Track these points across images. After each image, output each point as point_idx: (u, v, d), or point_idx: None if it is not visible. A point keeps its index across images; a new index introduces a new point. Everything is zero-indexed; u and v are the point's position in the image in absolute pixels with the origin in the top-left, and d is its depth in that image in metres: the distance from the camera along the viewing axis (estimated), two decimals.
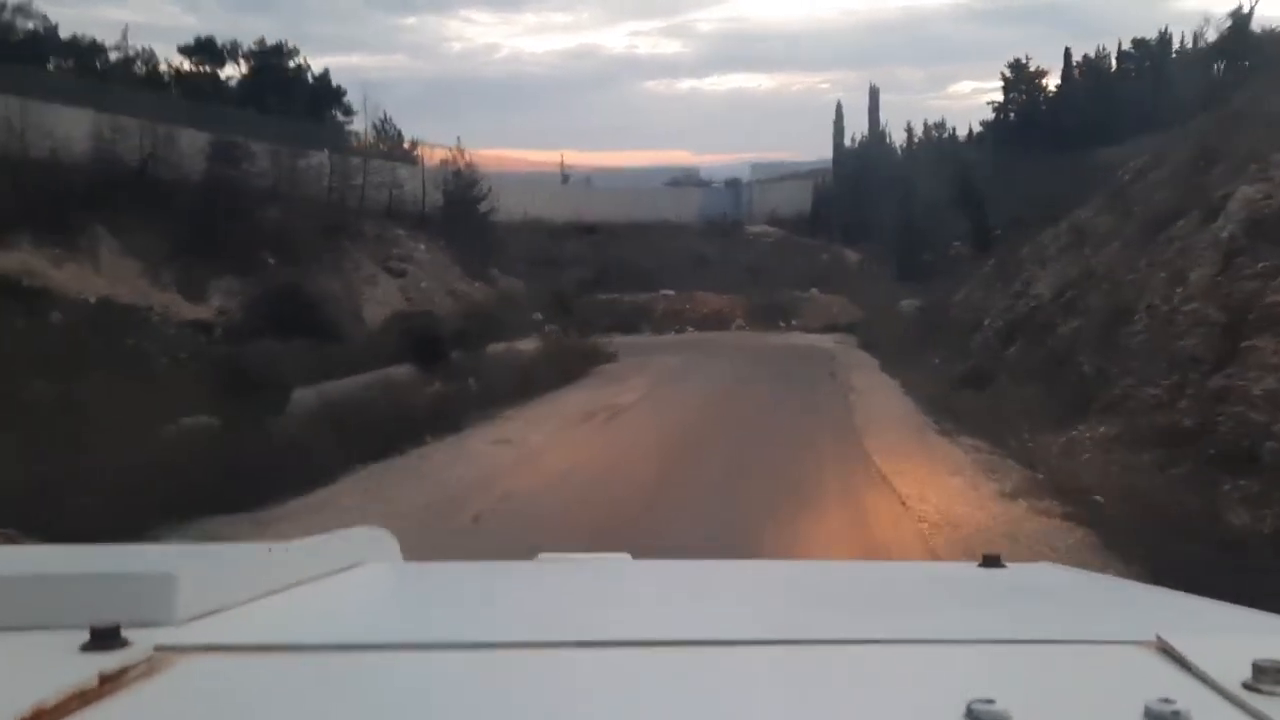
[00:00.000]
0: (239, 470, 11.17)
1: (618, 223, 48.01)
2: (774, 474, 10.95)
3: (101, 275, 30.75)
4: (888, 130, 53.29)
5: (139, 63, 46.76)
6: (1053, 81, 50.12)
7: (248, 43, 49.93)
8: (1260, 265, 12.80)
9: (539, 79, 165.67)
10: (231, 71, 49.74)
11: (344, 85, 50.44)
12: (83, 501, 8.72)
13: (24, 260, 26.51)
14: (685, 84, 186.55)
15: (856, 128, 53.86)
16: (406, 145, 48.91)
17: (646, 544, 6.23)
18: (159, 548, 2.15)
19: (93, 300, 28.48)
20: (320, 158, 41.25)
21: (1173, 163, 20.52)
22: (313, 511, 9.97)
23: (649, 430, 14.10)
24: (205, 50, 48.21)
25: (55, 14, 43.94)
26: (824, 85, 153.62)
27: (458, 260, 41.85)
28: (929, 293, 32.23)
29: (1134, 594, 1.98)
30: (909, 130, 51.90)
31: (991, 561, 1.81)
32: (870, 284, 37.17)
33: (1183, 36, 49.29)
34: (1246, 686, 0.92)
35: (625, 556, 2.03)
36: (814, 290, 34.83)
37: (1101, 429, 13.34)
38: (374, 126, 48.78)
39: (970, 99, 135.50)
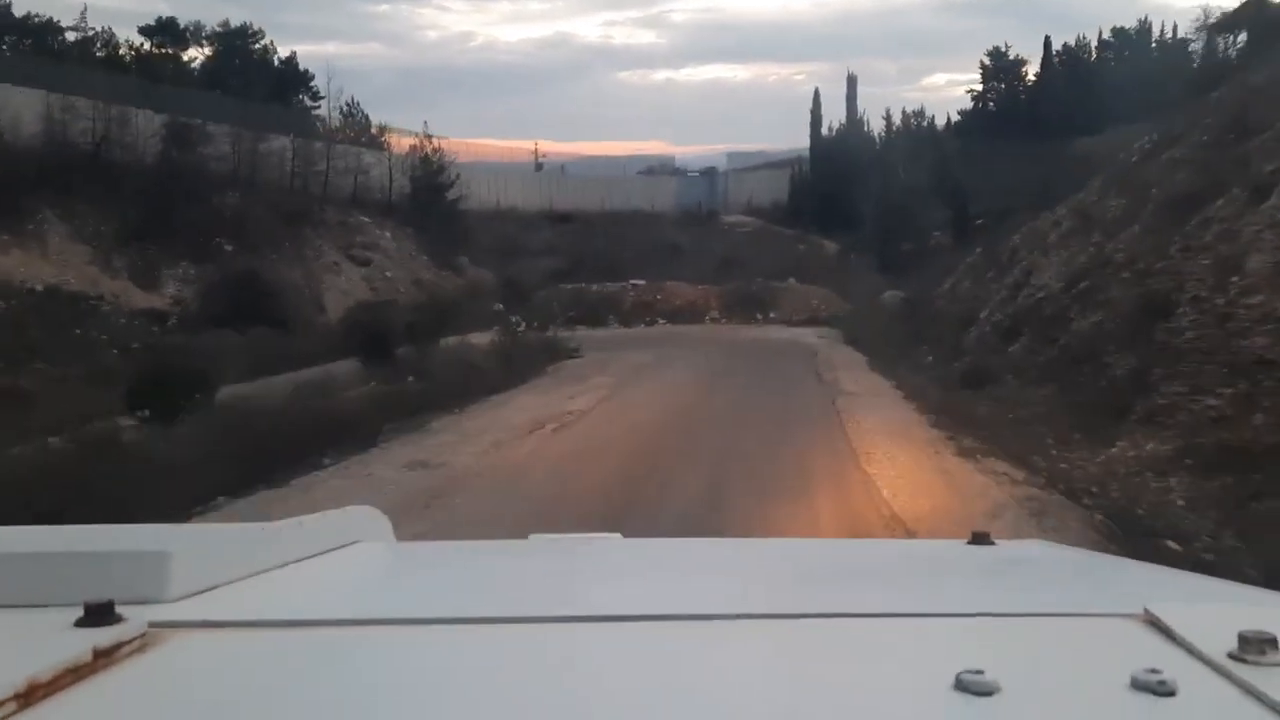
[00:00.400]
0: (76, 500, 8.39)
1: (591, 212, 45.49)
2: (758, 519, 8.07)
3: (49, 262, 27.71)
4: (865, 118, 50.64)
5: (98, 44, 43.79)
6: (1032, 70, 47.64)
7: (212, 26, 46.82)
8: None
9: (513, 68, 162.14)
10: (195, 54, 46.79)
11: (316, 72, 47.69)
12: None
13: None
14: (661, 74, 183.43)
15: (833, 117, 51.17)
16: (374, 131, 45.88)
17: None
18: (153, 527, 1.66)
19: (39, 288, 26.22)
20: (283, 142, 38.35)
21: (1192, 141, 17.87)
22: None
23: (604, 449, 11.03)
24: (167, 32, 45.13)
25: None
26: (799, 77, 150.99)
27: (425, 249, 39.10)
28: (911, 283, 29.57)
29: (1122, 569, 1.90)
30: (887, 118, 49.24)
31: (980, 538, 1.69)
32: (849, 274, 34.45)
33: (1163, 26, 46.94)
34: (1232, 657, 0.89)
35: (616, 536, 1.94)
36: (791, 280, 31.80)
37: (1149, 446, 10.65)
38: (341, 111, 45.73)
39: (944, 91, 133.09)
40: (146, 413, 15.66)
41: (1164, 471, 10.01)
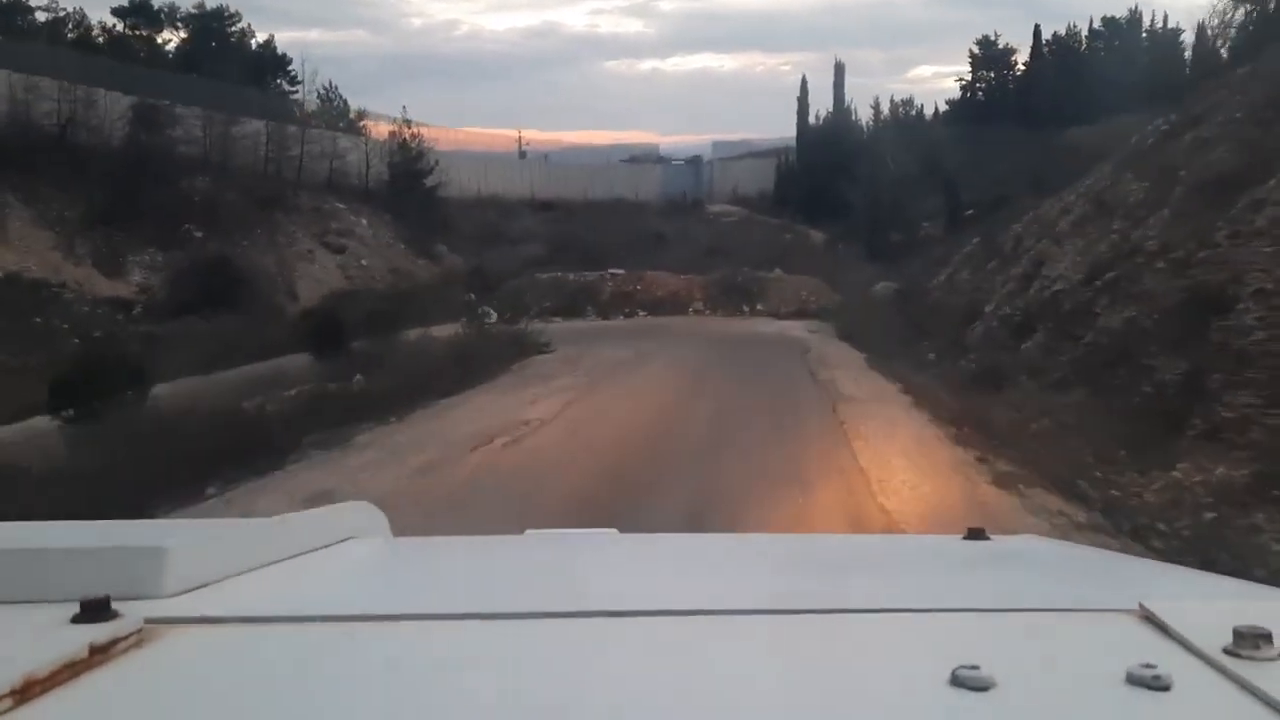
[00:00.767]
0: None
1: (574, 200, 43.26)
2: None
3: (10, 248, 25.71)
4: (853, 107, 48.27)
5: (69, 25, 41.30)
6: (1021, 59, 45.55)
7: (188, 7, 44.31)
8: None
9: (499, 56, 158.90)
10: (169, 36, 44.31)
11: (299, 58, 45.40)
12: None
13: None
14: (647, 64, 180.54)
15: (821, 106, 48.84)
16: (353, 116, 43.52)
17: None
18: (149, 523, 1.90)
19: None
20: (257, 127, 36.08)
21: (1221, 120, 15.75)
22: None
23: (558, 475, 8.60)
24: (140, 13, 42.70)
25: None
26: (786, 67, 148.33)
27: (403, 236, 36.96)
28: (903, 274, 27.43)
29: (1118, 564, 1.90)
30: (876, 107, 46.89)
31: (976, 533, 1.64)
32: (837, 264, 32.18)
33: (1153, 16, 44.91)
34: (1227, 651, 0.88)
35: (612, 531, 1.89)
36: (778, 271, 29.39)
37: (1219, 470, 8.52)
38: (318, 96, 43.35)
39: (930, 83, 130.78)
40: (70, 412, 13.71)
41: (1244, 504, 7.88)
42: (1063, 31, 45.62)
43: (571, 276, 27.04)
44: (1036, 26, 44.29)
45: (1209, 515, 7.85)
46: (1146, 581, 1.53)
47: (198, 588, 1.11)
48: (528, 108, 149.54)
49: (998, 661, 0.84)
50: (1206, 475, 8.56)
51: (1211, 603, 1.15)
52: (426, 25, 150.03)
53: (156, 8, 43.77)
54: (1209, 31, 38.64)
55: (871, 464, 9.27)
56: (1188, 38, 44.21)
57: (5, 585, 1.04)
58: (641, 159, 53.47)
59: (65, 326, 24.63)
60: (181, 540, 1.19)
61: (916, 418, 11.87)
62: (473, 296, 24.13)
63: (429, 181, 38.37)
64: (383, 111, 42.76)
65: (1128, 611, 1.04)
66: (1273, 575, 6.31)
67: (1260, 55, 18.01)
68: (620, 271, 27.34)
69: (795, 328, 22.65)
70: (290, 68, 45.16)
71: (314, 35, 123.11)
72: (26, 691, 0.80)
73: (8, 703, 0.78)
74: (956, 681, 0.82)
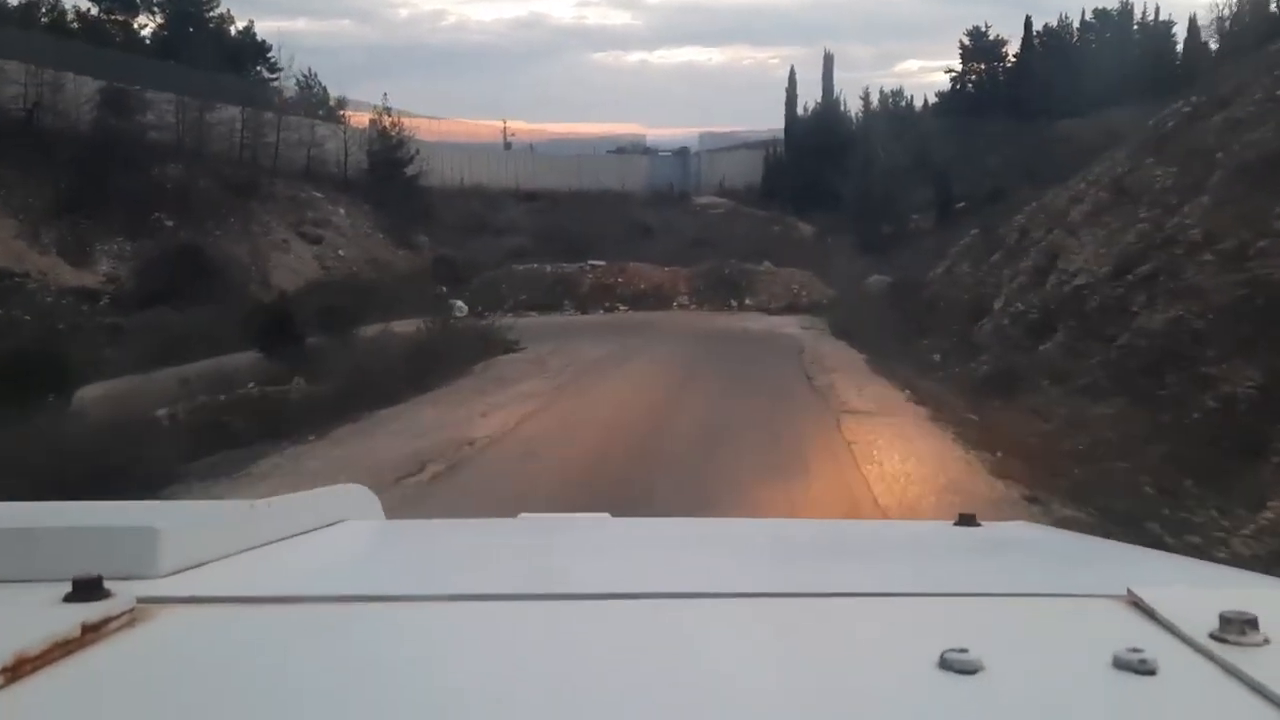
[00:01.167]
0: None
1: (559, 191, 41.22)
2: None
3: None
4: (842, 98, 46.17)
5: (42, 8, 39.01)
6: (1012, 51, 43.55)
7: None
8: None
9: (485, 47, 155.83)
10: (145, 21, 41.96)
11: (280, 46, 43.21)
12: None
13: None
14: (635, 56, 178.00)
15: (809, 98, 46.78)
16: (332, 104, 41.35)
17: None
18: (141, 504, 1.60)
19: None
20: (233, 113, 34.01)
21: (1256, 99, 13.84)
22: None
23: (501, 511, 6.46)
24: None
25: None
26: (774, 60, 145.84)
27: (382, 226, 34.93)
28: (895, 267, 25.47)
29: (1106, 550, 1.83)
30: (865, 98, 44.79)
31: (967, 520, 1.61)
32: (827, 257, 30.19)
33: (1144, 8, 43.06)
34: (1214, 637, 0.86)
35: (605, 515, 1.81)
36: (767, 263, 27.25)
37: None
38: (297, 83, 41.16)
39: (918, 77, 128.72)
40: None
41: None
42: (1054, 23, 43.68)
43: (549, 268, 24.86)
44: (1028, 18, 42.39)
45: None
46: (1135, 567, 1.48)
47: (190, 568, 1.09)
48: (514, 99, 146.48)
49: (986, 645, 0.82)
50: None
51: (1199, 589, 1.12)
52: (413, 15, 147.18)
53: None
54: (1210, 24, 36.83)
55: (896, 508, 7.10)
56: (1179, 30, 42.58)
57: None
58: (628, 150, 51.23)
59: (28, 318, 23.43)
60: (174, 521, 1.17)
61: (937, 437, 9.77)
62: (444, 289, 22.02)
63: (410, 170, 36.37)
64: (368, 101, 40.81)
65: (1116, 597, 1.02)
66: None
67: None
68: (601, 263, 25.14)
69: (787, 324, 20.45)
70: (270, 55, 43.00)
71: (300, 25, 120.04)
72: (18, 669, 0.78)
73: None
74: (945, 665, 0.80)
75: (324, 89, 41.34)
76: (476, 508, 6.80)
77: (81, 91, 31.00)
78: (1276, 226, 10.02)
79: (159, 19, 41.81)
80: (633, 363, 14.87)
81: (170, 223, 30.00)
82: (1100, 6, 43.99)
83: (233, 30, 43.18)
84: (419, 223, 35.37)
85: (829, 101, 45.02)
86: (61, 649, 0.83)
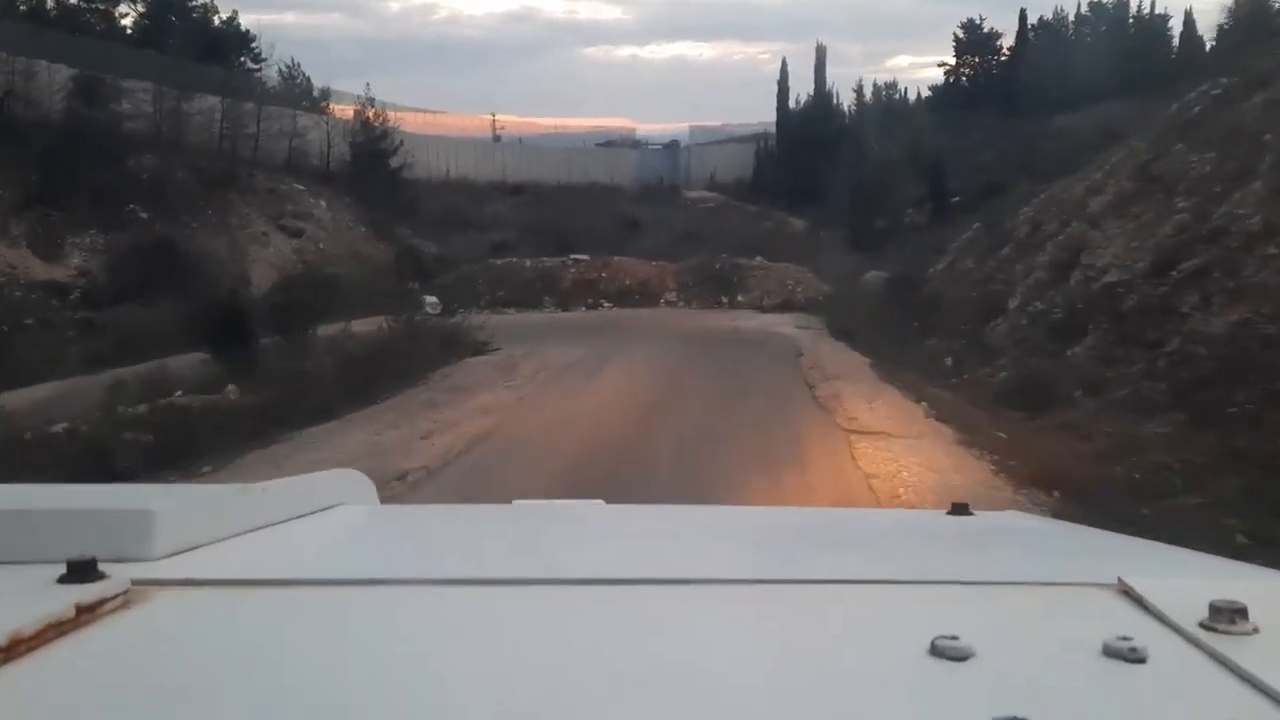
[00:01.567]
0: None
1: (547, 184, 39.41)
2: None
3: None
4: (835, 90, 44.30)
5: None
6: (1006, 44, 41.85)
7: None
8: None
9: (477, 41, 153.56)
10: (126, 10, 40.03)
11: (268, 37, 41.32)
12: None
13: None
14: (625, 51, 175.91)
15: (800, 92, 44.93)
16: (316, 95, 39.48)
17: None
18: (136, 487, 1.74)
19: None
20: (213, 103, 32.19)
21: None
22: None
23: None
24: None
25: None
26: (764, 56, 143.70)
27: (364, 219, 33.11)
28: (891, 262, 23.73)
29: (1098, 540, 1.71)
30: (859, 90, 42.91)
31: (960, 509, 1.59)
32: (820, 253, 28.39)
33: (1140, 1, 41.35)
34: (1203, 626, 0.85)
35: (599, 502, 1.79)
36: (760, 258, 25.35)
37: None
38: (280, 74, 39.29)
39: (908, 73, 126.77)
40: None
41: None
42: (1049, 16, 41.94)
43: (529, 263, 22.92)
44: (1022, 11, 40.63)
45: None
46: (1126, 557, 1.44)
47: (185, 551, 1.06)
48: (505, 93, 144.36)
49: (977, 632, 0.82)
50: None
51: (1189, 578, 1.11)
52: (404, 9, 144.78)
53: None
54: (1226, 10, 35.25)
55: None
56: (1175, 24, 40.96)
57: None
58: (617, 143, 49.34)
59: None
60: (169, 504, 1.14)
61: (973, 468, 7.86)
62: (417, 285, 20.15)
63: (393, 162, 34.55)
64: (356, 94, 39.03)
65: (1106, 586, 1.00)
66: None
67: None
68: (584, 257, 23.18)
69: (782, 323, 18.49)
70: (254, 45, 41.13)
71: (289, 18, 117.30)
72: (12, 650, 0.77)
73: None
74: (936, 651, 0.79)
75: (307, 80, 39.41)
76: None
77: (55, 80, 29.38)
78: None
79: (140, 8, 40.00)
80: (613, 365, 12.94)
81: (145, 215, 28.59)
82: (1096, 0, 42.30)
83: (216, 21, 41.41)
84: (402, 216, 33.64)
85: (821, 94, 43.17)
86: (56, 630, 0.81)
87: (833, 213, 33.55)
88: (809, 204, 35.60)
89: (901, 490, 7.17)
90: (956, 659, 0.78)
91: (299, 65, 39.36)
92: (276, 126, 34.02)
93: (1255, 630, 0.84)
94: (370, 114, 34.98)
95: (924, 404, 10.27)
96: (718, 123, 52.76)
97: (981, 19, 41.95)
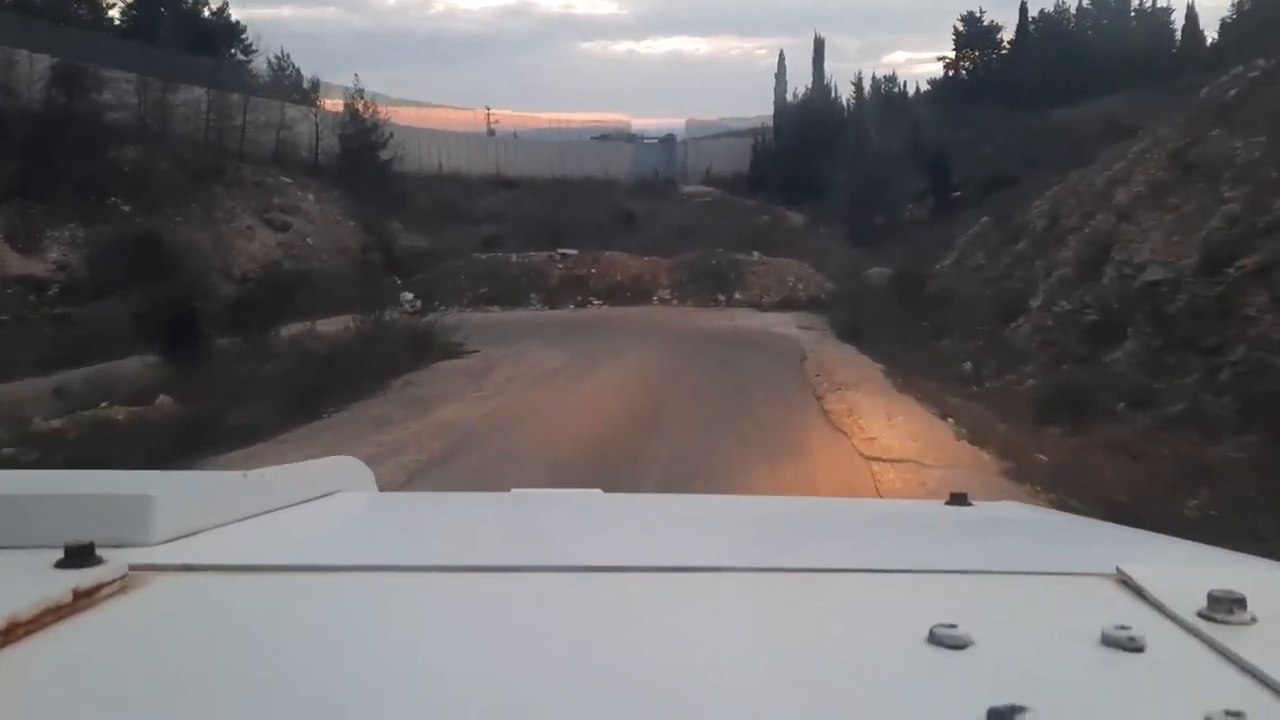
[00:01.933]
0: None
1: (541, 178, 38.00)
2: None
3: None
4: (833, 83, 42.77)
5: None
6: (1007, 37, 40.43)
7: None
8: None
9: (473, 36, 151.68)
10: (113, 0, 38.58)
11: (271, 35, 39.95)
12: None
13: None
14: (622, 45, 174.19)
15: (798, 85, 43.44)
16: (306, 87, 38.03)
17: None
18: (134, 473, 1.47)
19: None
20: (199, 94, 30.83)
21: None
22: None
23: None
24: None
25: None
26: (761, 51, 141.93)
27: (353, 213, 31.68)
28: (895, 258, 22.29)
29: (1096, 530, 1.72)
30: (858, 83, 41.37)
31: (958, 499, 1.54)
32: (820, 248, 26.94)
33: None
34: (1201, 615, 0.84)
35: (596, 491, 1.70)
36: (758, 254, 23.79)
37: None
38: (270, 65, 37.89)
39: (905, 69, 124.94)
40: None
41: None
42: (1050, 9, 40.53)
43: (514, 258, 21.35)
44: (1023, 3, 39.16)
45: None
46: (1124, 547, 1.40)
47: (183, 536, 1.05)
48: (501, 88, 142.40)
49: (975, 621, 0.80)
50: None
51: (1187, 568, 1.10)
52: (400, 3, 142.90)
53: None
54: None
55: None
56: (1178, 18, 39.63)
57: None
58: (613, 137, 47.79)
59: None
60: (167, 489, 1.13)
61: (1014, 498, 6.38)
62: (398, 280, 18.66)
63: (384, 155, 33.09)
64: (350, 88, 37.59)
65: (1105, 575, 0.99)
66: None
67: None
68: (572, 252, 21.57)
69: (783, 323, 16.81)
70: (244, 36, 39.75)
71: (285, 12, 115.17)
72: (9, 634, 0.77)
73: None
74: (934, 639, 0.78)
75: (297, 71, 37.98)
76: None
77: (36, 69, 28.05)
78: None
79: None
80: (597, 373, 11.35)
81: (127, 208, 27.47)
82: None
83: (205, 12, 39.99)
84: (392, 209, 32.25)
85: (820, 87, 41.64)
86: (53, 614, 0.81)
87: (831, 207, 32.27)
88: (807, 199, 34.29)
89: None
90: (954, 647, 0.77)
91: (289, 56, 37.90)
92: (264, 118, 32.70)
93: (1253, 620, 0.82)
94: (360, 106, 33.50)
95: (950, 421, 8.71)
96: (714, 117, 51.23)
97: (982, 11, 40.50)
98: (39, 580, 0.84)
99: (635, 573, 1.00)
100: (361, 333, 11.83)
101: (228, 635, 0.84)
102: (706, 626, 0.87)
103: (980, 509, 1.57)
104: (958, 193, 30.86)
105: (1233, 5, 35.34)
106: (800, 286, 21.32)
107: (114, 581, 0.88)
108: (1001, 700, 0.65)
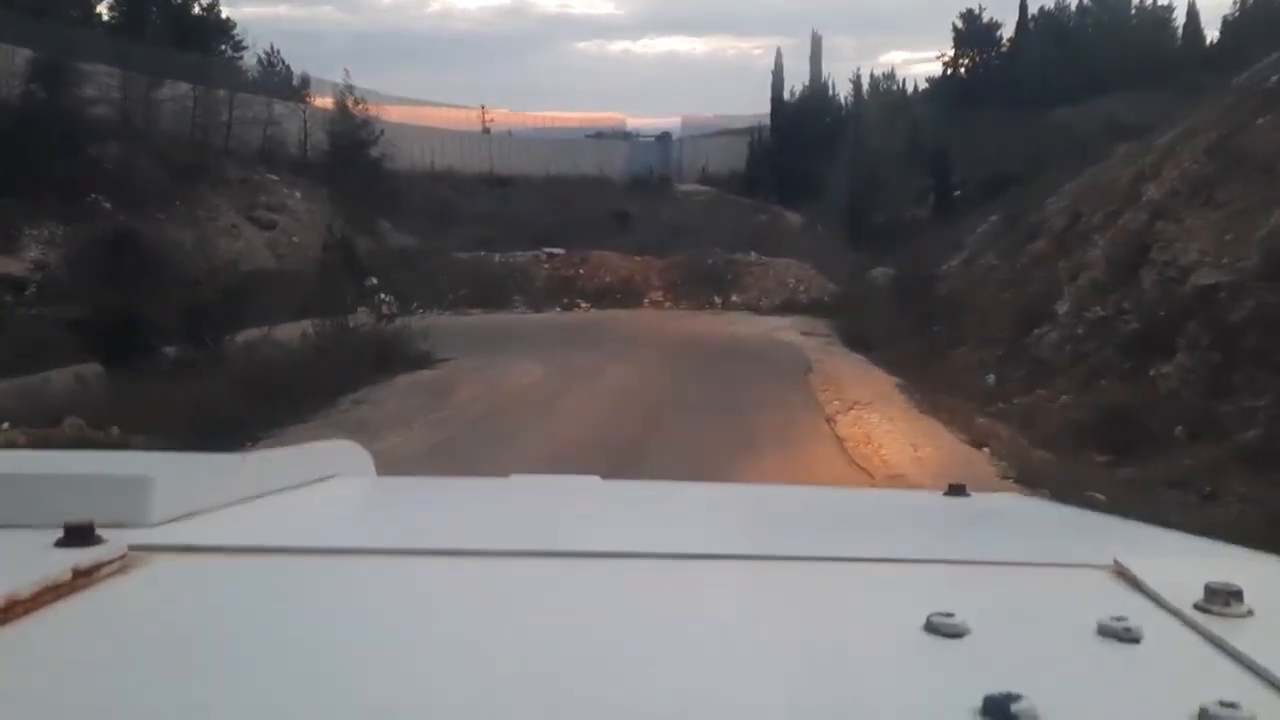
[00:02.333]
0: None
1: (535, 177, 36.66)
2: None
3: None
4: (831, 81, 41.34)
5: None
6: (1006, 35, 39.10)
7: None
8: None
9: (470, 35, 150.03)
10: None
11: (268, 35, 38.65)
12: None
13: None
14: (618, 45, 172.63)
15: (795, 82, 42.07)
16: (295, 84, 36.65)
17: None
18: (134, 454, 1.71)
19: None
20: (185, 90, 29.51)
21: None
22: None
23: None
24: None
25: None
26: (758, 51, 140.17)
27: (342, 212, 30.34)
28: (896, 258, 20.91)
29: (1094, 522, 1.70)
30: (856, 81, 39.95)
31: (957, 490, 1.50)
32: (818, 248, 25.58)
33: None
34: (1198, 607, 0.83)
35: (595, 478, 1.68)
36: (755, 254, 22.31)
37: None
38: (259, 61, 36.50)
39: (902, 69, 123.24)
40: None
41: None
42: (1050, 7, 39.20)
43: (498, 258, 19.83)
44: (1022, 1, 37.80)
45: None
46: (1122, 538, 1.39)
47: (182, 517, 1.04)
48: (497, 87, 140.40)
49: (972, 610, 0.80)
50: None
51: (1184, 560, 1.09)
52: (397, 3, 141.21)
53: None
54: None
55: None
56: (1179, 16, 38.34)
57: None
58: (608, 135, 46.39)
59: None
60: (167, 470, 1.12)
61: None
62: (374, 281, 17.23)
63: (374, 153, 31.68)
64: (345, 85, 36.22)
65: (1102, 567, 0.98)
66: None
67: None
68: (559, 252, 20.04)
69: (784, 328, 15.17)
70: (234, 32, 38.39)
71: (281, 10, 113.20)
72: (9, 612, 0.76)
73: None
74: (930, 628, 0.78)
75: (287, 68, 36.57)
76: None
77: (14, 64, 26.73)
78: None
79: None
80: (574, 392, 9.83)
81: (108, 206, 26.20)
82: None
83: (195, 8, 38.61)
84: (382, 208, 30.88)
85: (817, 85, 40.24)
86: (52, 593, 0.80)
87: (830, 207, 30.95)
88: (804, 198, 32.96)
89: None
90: (951, 636, 0.76)
91: (278, 52, 36.50)
92: (251, 115, 31.32)
93: (1250, 612, 0.81)
94: (350, 102, 32.08)
95: (986, 450, 7.33)
96: (710, 115, 49.74)
97: (981, 10, 39.13)
98: (39, 559, 0.83)
99: (633, 559, 0.98)
100: (321, 340, 10.38)
101: (226, 615, 0.82)
102: (704, 613, 0.86)
103: (979, 500, 1.53)
104: (958, 192, 29.70)
105: (1235, 1, 33.98)
106: (801, 288, 19.82)
107: (113, 561, 0.87)
108: (997, 689, 0.63)
